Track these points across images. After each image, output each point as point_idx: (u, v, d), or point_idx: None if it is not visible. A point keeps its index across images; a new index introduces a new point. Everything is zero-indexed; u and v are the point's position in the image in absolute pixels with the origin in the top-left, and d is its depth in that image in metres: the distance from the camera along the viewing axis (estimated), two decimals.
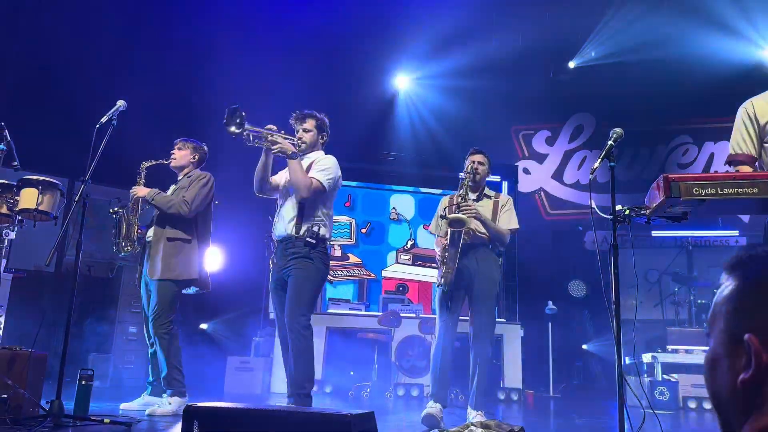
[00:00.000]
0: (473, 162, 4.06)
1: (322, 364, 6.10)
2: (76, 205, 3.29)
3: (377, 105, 8.50)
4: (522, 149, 9.40)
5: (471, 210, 3.81)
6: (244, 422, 2.25)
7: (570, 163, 9.22)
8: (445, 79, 8.45)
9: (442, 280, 3.82)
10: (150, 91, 6.23)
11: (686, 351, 6.29)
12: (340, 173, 3.73)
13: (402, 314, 6.49)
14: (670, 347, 6.38)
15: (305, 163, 3.64)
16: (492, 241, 3.97)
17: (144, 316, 4.21)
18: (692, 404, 5.79)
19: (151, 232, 4.16)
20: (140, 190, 4.13)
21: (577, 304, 7.92)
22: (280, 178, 3.80)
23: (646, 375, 6.05)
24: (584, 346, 7.81)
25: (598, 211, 2.64)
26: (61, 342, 3.18)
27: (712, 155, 8.76)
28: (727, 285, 0.80)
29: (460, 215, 3.76)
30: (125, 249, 4.12)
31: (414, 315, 6.68)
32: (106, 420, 3.21)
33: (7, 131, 3.69)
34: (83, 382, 3.38)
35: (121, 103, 3.54)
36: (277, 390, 5.99)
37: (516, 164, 9.10)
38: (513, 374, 6.49)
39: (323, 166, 3.63)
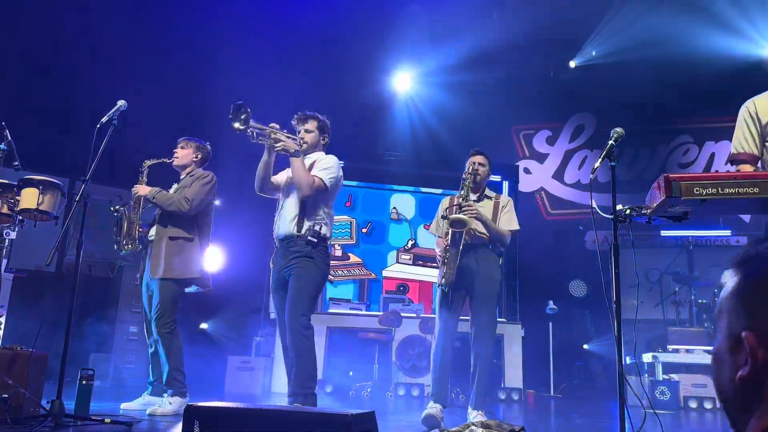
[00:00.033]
0: (474, 163, 4.07)
1: (322, 364, 6.10)
2: (76, 205, 3.29)
3: (378, 105, 8.50)
4: (522, 149, 9.40)
5: (472, 210, 3.81)
6: (245, 422, 2.25)
7: (571, 162, 9.21)
8: (445, 79, 8.44)
9: (443, 280, 3.82)
10: (151, 91, 6.23)
11: (687, 351, 6.29)
12: (341, 173, 3.74)
13: (402, 314, 6.49)
14: (670, 347, 6.38)
15: (307, 163, 3.65)
16: (492, 241, 3.97)
17: (144, 316, 4.21)
18: (693, 404, 5.79)
19: (153, 231, 4.16)
20: (142, 189, 4.13)
21: (578, 303, 7.92)
22: (281, 177, 3.81)
23: (646, 375, 6.05)
24: (585, 346, 7.82)
25: (598, 210, 2.64)
26: (62, 342, 3.18)
27: (712, 155, 8.76)
28: (731, 282, 0.82)
29: (461, 216, 3.77)
30: (126, 247, 4.12)
31: (414, 315, 6.68)
32: (107, 420, 3.21)
33: (7, 131, 3.69)
34: (84, 382, 3.38)
35: (121, 103, 3.54)
36: (277, 390, 5.99)
37: (516, 164, 9.10)
38: (514, 374, 6.50)
39: (325, 165, 3.64)
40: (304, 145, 3.68)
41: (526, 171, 9.28)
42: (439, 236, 4.05)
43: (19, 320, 4.71)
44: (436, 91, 8.65)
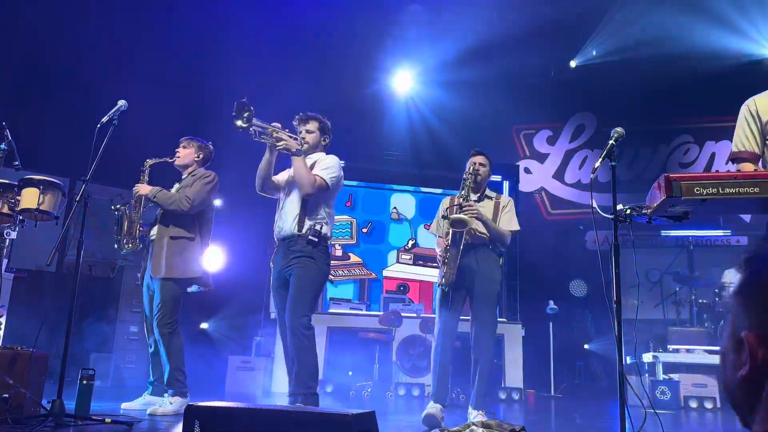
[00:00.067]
0: (474, 163, 4.08)
1: (323, 364, 6.09)
2: (77, 204, 3.29)
3: (378, 105, 8.50)
4: (523, 149, 9.40)
5: (472, 210, 3.82)
6: (245, 422, 2.25)
7: (571, 162, 9.21)
8: (445, 79, 8.44)
9: (443, 280, 3.83)
10: (151, 90, 6.23)
11: (687, 351, 6.29)
12: (342, 173, 3.75)
13: (403, 314, 6.49)
14: (671, 347, 6.38)
15: (308, 163, 3.65)
16: (493, 241, 3.97)
17: (144, 316, 4.21)
18: (693, 404, 5.79)
19: (154, 231, 4.16)
20: (143, 188, 4.14)
21: (578, 303, 7.92)
22: (282, 177, 3.82)
23: (647, 375, 6.04)
24: (585, 346, 7.81)
25: (599, 210, 2.64)
26: (63, 341, 3.18)
27: (713, 155, 8.76)
28: (736, 281, 0.83)
29: (461, 216, 3.77)
30: (127, 246, 4.12)
31: (415, 315, 6.68)
32: (108, 420, 3.21)
33: (8, 131, 3.69)
34: (84, 382, 3.38)
35: (122, 103, 3.54)
36: (278, 390, 5.99)
37: (517, 164, 9.10)
38: (514, 374, 6.50)
39: (326, 165, 3.66)
40: (306, 146, 3.68)
41: (527, 171, 9.28)
42: (439, 236, 4.05)
43: (19, 320, 4.72)
44: (437, 91, 8.65)
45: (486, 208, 4.02)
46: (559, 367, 7.18)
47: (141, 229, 4.16)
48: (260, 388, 6.09)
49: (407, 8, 7.52)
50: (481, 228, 3.91)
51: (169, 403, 3.90)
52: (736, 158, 2.72)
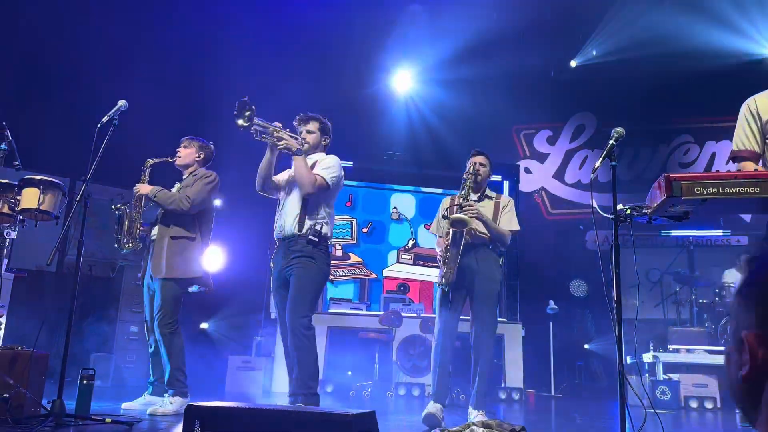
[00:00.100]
0: (475, 163, 4.08)
1: (323, 364, 6.09)
2: (77, 204, 3.29)
3: (378, 105, 8.50)
4: (523, 148, 9.40)
5: (473, 210, 3.82)
6: (246, 422, 2.25)
7: (571, 162, 9.21)
8: (445, 79, 8.44)
9: (443, 279, 3.83)
10: (152, 90, 6.23)
11: (687, 351, 6.29)
12: (343, 173, 3.75)
13: (403, 314, 6.49)
14: (671, 347, 6.37)
15: (308, 163, 3.65)
16: (493, 241, 3.98)
17: (145, 315, 4.21)
18: (693, 404, 5.79)
19: (155, 231, 4.17)
20: (143, 187, 4.14)
21: (579, 303, 7.92)
22: (282, 177, 3.82)
23: (647, 374, 6.04)
24: (586, 346, 7.81)
25: (599, 210, 2.64)
26: (63, 341, 3.18)
27: (713, 155, 8.76)
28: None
29: (461, 215, 3.77)
30: (127, 246, 4.12)
31: (415, 315, 6.68)
32: (108, 419, 3.22)
33: (8, 131, 3.69)
34: (84, 382, 3.38)
35: (122, 103, 3.54)
36: (278, 389, 5.99)
37: (517, 164, 9.10)
38: (514, 374, 6.50)
39: (327, 165, 3.66)
40: (306, 146, 3.69)
41: (527, 171, 9.28)
42: (439, 236, 4.05)
43: (19, 320, 4.72)
44: (437, 91, 8.65)
45: (486, 208, 4.03)
46: (559, 367, 7.18)
47: (141, 228, 4.17)
48: (260, 388, 6.09)
49: (407, 8, 7.52)
50: (482, 228, 3.92)
51: (169, 403, 3.90)
52: (736, 157, 2.72)
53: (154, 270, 4.04)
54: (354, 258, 7.91)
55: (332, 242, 4.33)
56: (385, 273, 7.92)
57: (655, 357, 6.29)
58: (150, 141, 4.85)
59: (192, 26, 6.97)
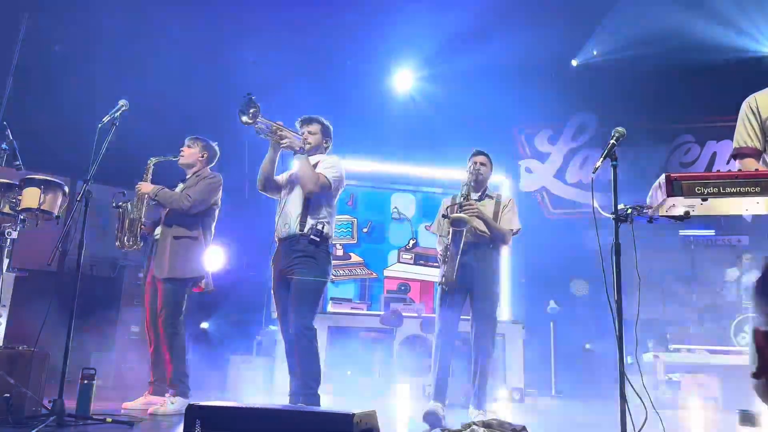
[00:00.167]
0: (476, 163, 4.09)
1: (323, 364, 6.08)
2: (78, 204, 3.30)
3: (378, 104, 8.49)
4: (524, 148, 9.40)
5: (473, 209, 3.82)
6: (246, 421, 2.25)
7: (572, 162, 9.21)
8: (447, 78, 8.44)
9: (443, 279, 3.83)
10: (152, 90, 6.24)
11: (688, 350, 6.29)
12: (344, 173, 3.75)
13: (404, 313, 6.49)
14: (672, 347, 6.38)
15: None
16: (493, 240, 3.98)
17: (145, 315, 4.21)
18: (694, 404, 5.78)
19: (158, 230, 4.17)
20: (145, 186, 4.14)
21: (579, 303, 7.91)
22: (283, 177, 3.83)
23: (648, 374, 6.04)
24: (587, 346, 7.81)
25: (600, 210, 2.64)
26: (64, 341, 3.19)
27: (714, 154, 8.75)
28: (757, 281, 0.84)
29: (462, 215, 3.77)
30: (128, 244, 4.12)
31: (416, 314, 6.68)
32: (109, 419, 3.22)
33: (9, 131, 3.70)
34: (85, 381, 3.38)
35: (123, 103, 3.54)
36: (279, 389, 5.99)
37: (518, 163, 9.10)
38: (515, 373, 6.50)
39: (329, 164, 3.67)
40: (308, 146, 3.69)
41: (528, 170, 9.28)
42: (440, 235, 4.06)
43: (20, 320, 4.72)
44: (438, 91, 8.65)
45: (487, 207, 4.03)
46: (559, 366, 7.17)
47: (143, 227, 4.16)
48: (261, 388, 6.09)
49: (408, 8, 7.52)
50: (482, 227, 3.92)
51: (170, 403, 3.90)
52: (737, 154, 2.73)
53: (158, 270, 4.04)
54: (355, 258, 7.91)
55: (333, 242, 4.34)
56: (386, 273, 7.92)
57: (655, 357, 6.29)
58: (151, 140, 4.86)
59: (193, 26, 6.97)
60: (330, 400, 5.43)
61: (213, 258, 5.44)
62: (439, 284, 3.93)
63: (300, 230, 3.55)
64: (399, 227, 8.11)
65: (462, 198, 3.94)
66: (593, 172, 2.63)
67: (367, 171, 7.96)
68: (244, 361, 6.27)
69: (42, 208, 3.42)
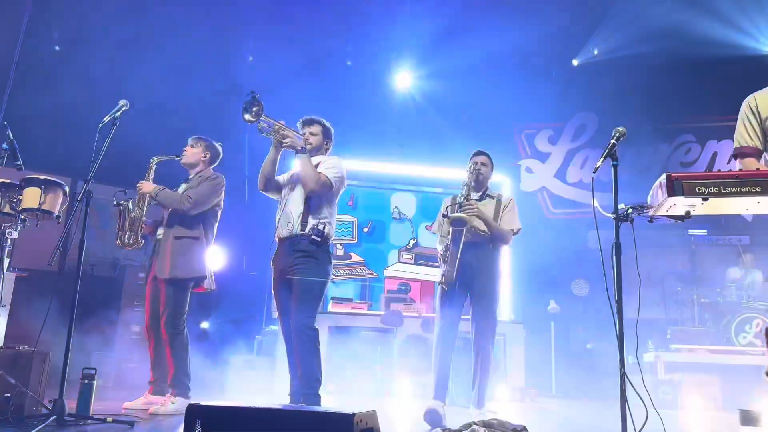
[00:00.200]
0: (476, 163, 4.10)
1: (324, 363, 6.08)
2: (78, 204, 3.30)
3: (379, 103, 8.50)
4: (524, 148, 9.39)
5: (473, 209, 3.83)
6: (247, 421, 2.25)
7: (573, 162, 9.20)
8: (447, 78, 8.44)
9: (444, 278, 3.83)
10: (153, 90, 6.24)
11: (689, 350, 6.29)
12: (345, 173, 3.76)
13: (404, 313, 6.49)
14: (673, 346, 6.37)
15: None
16: (494, 240, 3.98)
17: (145, 314, 4.21)
18: (695, 404, 5.78)
19: (161, 231, 4.17)
20: (146, 186, 4.13)
21: (580, 303, 7.91)
22: (283, 178, 3.83)
23: (648, 374, 6.04)
24: (588, 346, 7.80)
25: (600, 210, 2.64)
26: (64, 341, 3.19)
27: (714, 154, 8.75)
28: None
29: (462, 214, 3.78)
30: (129, 243, 4.12)
31: (416, 314, 6.68)
32: (109, 419, 3.22)
33: (10, 131, 3.70)
34: (86, 381, 3.38)
35: (123, 103, 3.55)
36: (280, 389, 5.98)
37: (518, 163, 9.10)
38: (515, 373, 6.49)
39: (331, 165, 3.68)
40: (309, 146, 3.70)
41: (528, 170, 9.27)
42: (441, 235, 4.06)
43: (21, 319, 4.72)
44: (438, 90, 8.65)
45: (488, 207, 4.03)
46: (560, 366, 7.17)
47: (143, 226, 4.16)
48: (262, 388, 6.09)
49: (408, 8, 7.52)
50: (482, 227, 3.92)
51: (171, 403, 3.90)
52: (738, 154, 2.73)
53: (160, 270, 4.04)
54: (355, 257, 7.91)
55: (333, 242, 4.34)
56: (387, 272, 7.92)
57: (656, 356, 6.29)
58: (152, 140, 4.86)
59: (194, 26, 6.98)
60: (330, 399, 5.43)
61: (213, 257, 5.43)
62: (439, 284, 3.93)
63: (301, 230, 3.56)
64: (399, 227, 8.10)
65: (462, 198, 3.95)
66: (594, 172, 2.63)
67: (367, 171, 7.96)
68: (244, 361, 6.26)
69: (42, 208, 3.42)
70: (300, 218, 3.57)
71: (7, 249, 3.49)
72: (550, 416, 5.21)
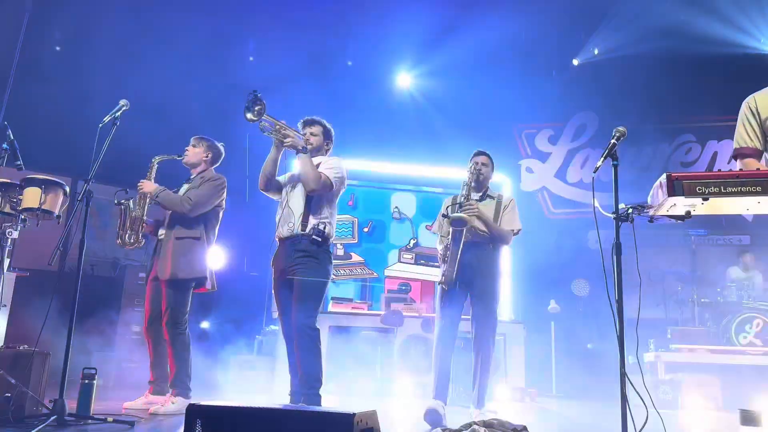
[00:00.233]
0: (477, 163, 4.11)
1: (324, 363, 6.08)
2: (79, 204, 3.30)
3: (379, 103, 8.50)
4: (524, 148, 9.39)
5: (473, 209, 3.83)
6: (247, 421, 2.25)
7: (573, 161, 9.20)
8: (447, 78, 8.44)
9: (444, 278, 3.83)
10: (153, 90, 6.24)
11: (689, 350, 6.28)
12: (346, 173, 3.76)
13: (404, 313, 6.49)
14: (673, 346, 6.37)
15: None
16: (494, 240, 3.98)
17: (145, 314, 4.21)
18: (695, 403, 5.77)
19: (162, 231, 4.18)
20: (147, 185, 4.13)
21: (580, 303, 7.91)
22: (284, 178, 3.83)
23: (649, 374, 6.03)
24: (589, 346, 7.80)
25: (600, 209, 2.64)
26: (65, 341, 3.19)
27: (715, 154, 8.75)
28: None
29: (461, 214, 3.78)
30: (129, 242, 4.12)
31: (416, 314, 6.68)
32: (109, 419, 3.22)
33: (10, 130, 3.70)
34: (86, 381, 3.38)
35: (123, 103, 3.55)
36: (280, 389, 5.98)
37: (519, 163, 9.09)
38: (516, 373, 6.49)
39: (331, 165, 3.69)
40: (309, 146, 3.70)
41: (528, 170, 9.27)
42: (441, 235, 4.06)
43: (21, 319, 4.72)
44: (439, 90, 8.65)
45: (488, 207, 4.04)
46: (560, 366, 7.17)
47: (144, 225, 4.16)
48: (262, 388, 6.09)
49: (409, 7, 7.52)
50: (482, 226, 3.92)
51: (171, 403, 3.90)
52: (738, 155, 2.73)
53: (161, 271, 4.04)
54: (355, 257, 7.91)
55: (334, 242, 4.34)
56: (387, 272, 7.92)
57: (656, 356, 6.28)
58: (152, 140, 4.86)
59: (194, 25, 6.98)
60: (331, 399, 5.43)
61: (214, 257, 5.43)
62: (439, 284, 3.93)
63: (302, 230, 3.56)
64: (400, 227, 8.11)
65: (462, 198, 3.95)
66: (594, 172, 2.63)
67: (367, 171, 7.96)
68: (244, 361, 6.26)
69: (43, 207, 3.42)
70: (300, 218, 3.58)
71: (7, 249, 3.50)
72: (551, 416, 5.21)
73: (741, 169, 2.29)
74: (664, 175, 2.24)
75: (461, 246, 3.81)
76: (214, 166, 4.36)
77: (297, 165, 3.68)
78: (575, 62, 8.67)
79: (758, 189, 2.15)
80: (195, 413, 2.25)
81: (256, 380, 6.12)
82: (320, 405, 3.40)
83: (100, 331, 5.93)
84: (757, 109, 2.69)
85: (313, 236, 3.53)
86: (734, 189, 2.17)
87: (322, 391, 3.50)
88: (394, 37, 7.93)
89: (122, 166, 4.91)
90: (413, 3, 7.50)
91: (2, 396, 3.05)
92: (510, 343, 6.61)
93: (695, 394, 5.82)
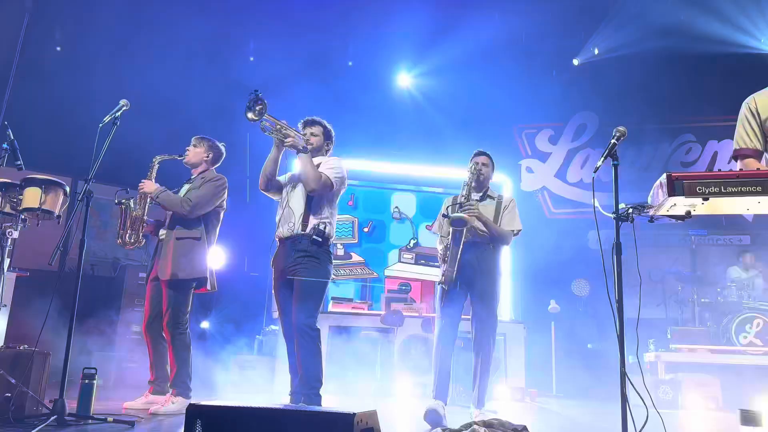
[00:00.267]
0: (477, 163, 4.11)
1: (324, 363, 6.08)
2: (79, 204, 3.30)
3: (379, 103, 8.50)
4: (525, 148, 9.39)
5: (473, 209, 3.83)
6: (247, 421, 2.25)
7: (573, 161, 9.20)
8: (447, 78, 8.44)
9: (444, 278, 3.83)
10: (153, 90, 6.24)
11: (690, 350, 6.28)
12: (346, 174, 3.76)
13: (405, 313, 6.49)
14: (673, 346, 6.37)
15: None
16: (494, 240, 3.98)
17: (144, 314, 4.21)
18: (695, 403, 5.77)
19: (163, 232, 4.18)
20: (148, 185, 4.13)
21: (580, 303, 7.91)
22: (285, 178, 3.83)
23: (649, 374, 6.04)
24: (589, 346, 7.81)
25: (600, 209, 2.64)
26: (65, 341, 3.19)
27: (715, 154, 8.75)
28: None
29: (462, 214, 3.78)
30: (129, 241, 4.12)
31: (417, 314, 6.68)
32: (110, 419, 3.22)
33: (10, 130, 3.70)
34: (86, 381, 3.39)
35: (123, 102, 3.55)
36: (280, 389, 5.98)
37: (519, 163, 9.09)
38: (516, 373, 6.49)
39: (331, 165, 3.70)
40: (310, 146, 3.71)
41: (529, 170, 9.27)
42: (441, 235, 4.06)
43: (21, 319, 4.72)
44: (438, 89, 8.65)
45: (488, 207, 4.04)
46: (560, 366, 7.17)
47: (145, 225, 4.16)
48: (262, 388, 6.09)
49: (408, 6, 7.52)
50: (482, 227, 3.92)
51: (171, 403, 3.90)
52: (738, 155, 2.73)
53: (162, 271, 4.04)
54: (355, 257, 7.91)
55: (334, 242, 4.34)
56: (387, 272, 7.92)
57: (657, 356, 6.28)
58: (152, 140, 4.86)
59: (195, 25, 6.97)
60: (331, 399, 5.43)
61: (214, 257, 5.44)
62: (439, 284, 3.94)
63: (302, 230, 3.56)
64: (400, 227, 8.11)
65: (463, 198, 3.95)
66: (594, 172, 2.63)
67: (367, 171, 7.96)
68: (244, 361, 6.26)
69: (43, 207, 3.42)
70: (301, 218, 3.58)
71: (7, 249, 3.50)
72: (551, 416, 5.21)
73: (741, 170, 2.29)
74: (664, 175, 2.24)
75: (461, 246, 3.81)
76: (215, 166, 4.36)
77: (297, 165, 3.69)
78: (575, 62, 8.67)
79: (758, 189, 2.15)
80: (195, 413, 2.25)
81: (256, 380, 6.12)
82: (320, 405, 3.41)
83: (100, 331, 5.93)
84: (757, 110, 2.69)
85: (314, 236, 3.54)
86: (734, 189, 2.16)
87: (322, 391, 3.51)
88: (394, 37, 7.93)
89: (122, 166, 4.91)
90: (413, 3, 7.50)
91: (2, 396, 3.06)
92: (510, 343, 6.61)
93: (695, 394, 5.82)
